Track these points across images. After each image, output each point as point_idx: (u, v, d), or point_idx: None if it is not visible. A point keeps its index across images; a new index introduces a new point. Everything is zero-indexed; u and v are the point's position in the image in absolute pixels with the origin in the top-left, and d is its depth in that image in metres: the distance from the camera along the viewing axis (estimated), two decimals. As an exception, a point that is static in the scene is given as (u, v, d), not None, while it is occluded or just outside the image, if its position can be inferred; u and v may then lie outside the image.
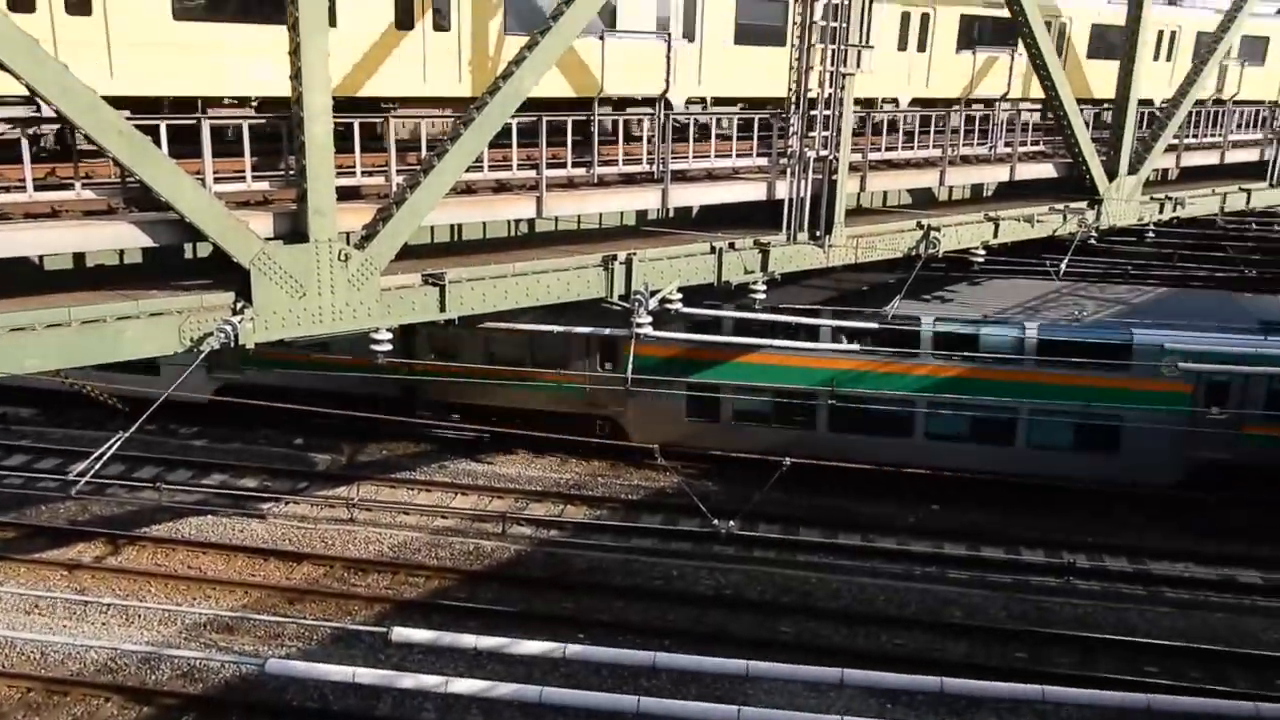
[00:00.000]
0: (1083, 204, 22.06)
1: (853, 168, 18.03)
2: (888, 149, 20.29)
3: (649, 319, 15.74)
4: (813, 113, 16.52)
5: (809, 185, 16.93)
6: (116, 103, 12.17)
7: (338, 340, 23.87)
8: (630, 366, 18.87)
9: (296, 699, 16.24)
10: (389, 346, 13.60)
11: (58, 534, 21.31)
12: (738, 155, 17.85)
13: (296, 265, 12.10)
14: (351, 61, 14.12)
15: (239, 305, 11.89)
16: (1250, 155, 27.48)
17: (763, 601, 19.47)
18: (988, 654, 17.79)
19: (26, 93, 10.55)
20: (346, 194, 13.23)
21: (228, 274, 11.96)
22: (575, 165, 15.82)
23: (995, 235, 20.77)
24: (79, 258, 12.76)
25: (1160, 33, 26.58)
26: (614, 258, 15.27)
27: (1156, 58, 26.45)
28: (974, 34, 23.01)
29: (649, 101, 17.31)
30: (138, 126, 10.82)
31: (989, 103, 23.20)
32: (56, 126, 13.40)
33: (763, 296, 18.30)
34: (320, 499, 23.28)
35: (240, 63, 13.19)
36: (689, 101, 18.92)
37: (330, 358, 24.79)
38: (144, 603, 18.78)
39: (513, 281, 14.40)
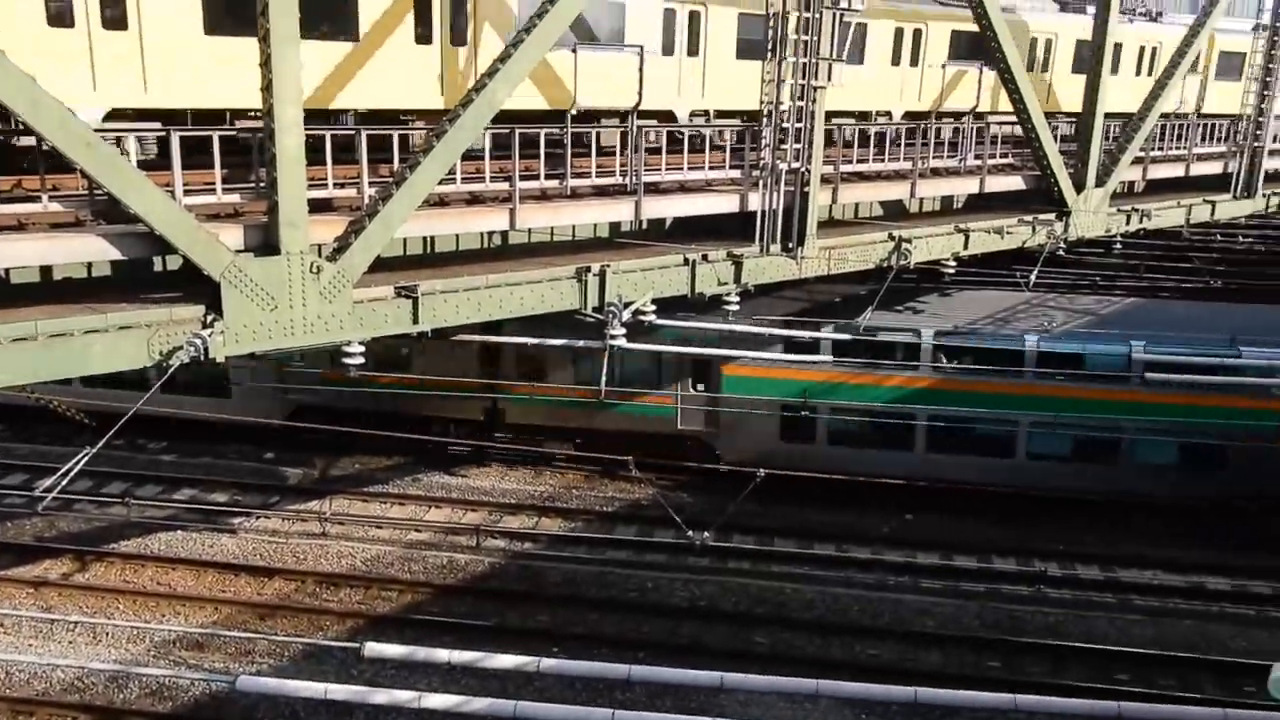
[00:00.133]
0: (1051, 216, 22.31)
1: (824, 180, 18.17)
2: (859, 161, 20.46)
3: (623, 331, 15.76)
4: (785, 125, 16.63)
5: (781, 197, 17.03)
6: (151, 115, 12.75)
7: (419, 361, 24.04)
8: (604, 381, 18.90)
9: (267, 716, 16.07)
10: (361, 360, 13.54)
11: (24, 551, 21.01)
12: (710, 167, 17.95)
13: (268, 278, 12.03)
14: (372, 74, 14.45)
15: (209, 318, 11.81)
16: (1214, 168, 27.91)
17: (737, 613, 19.49)
18: (961, 663, 17.89)
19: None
20: (318, 206, 13.18)
21: (198, 287, 11.88)
22: (548, 177, 15.84)
23: (966, 246, 20.97)
24: (46, 271, 12.65)
25: (1141, 48, 27.09)
26: (588, 269, 15.29)
27: (1139, 73, 26.97)
28: (961, 48, 23.43)
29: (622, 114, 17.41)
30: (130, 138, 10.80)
31: (978, 115, 23.62)
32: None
33: (736, 308, 18.39)
34: (292, 513, 23.08)
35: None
36: (693, 114, 19.30)
37: (410, 377, 24.50)
38: (112, 620, 18.54)
39: (486, 294, 14.38)
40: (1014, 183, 22.76)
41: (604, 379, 19.07)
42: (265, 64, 11.33)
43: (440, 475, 25.23)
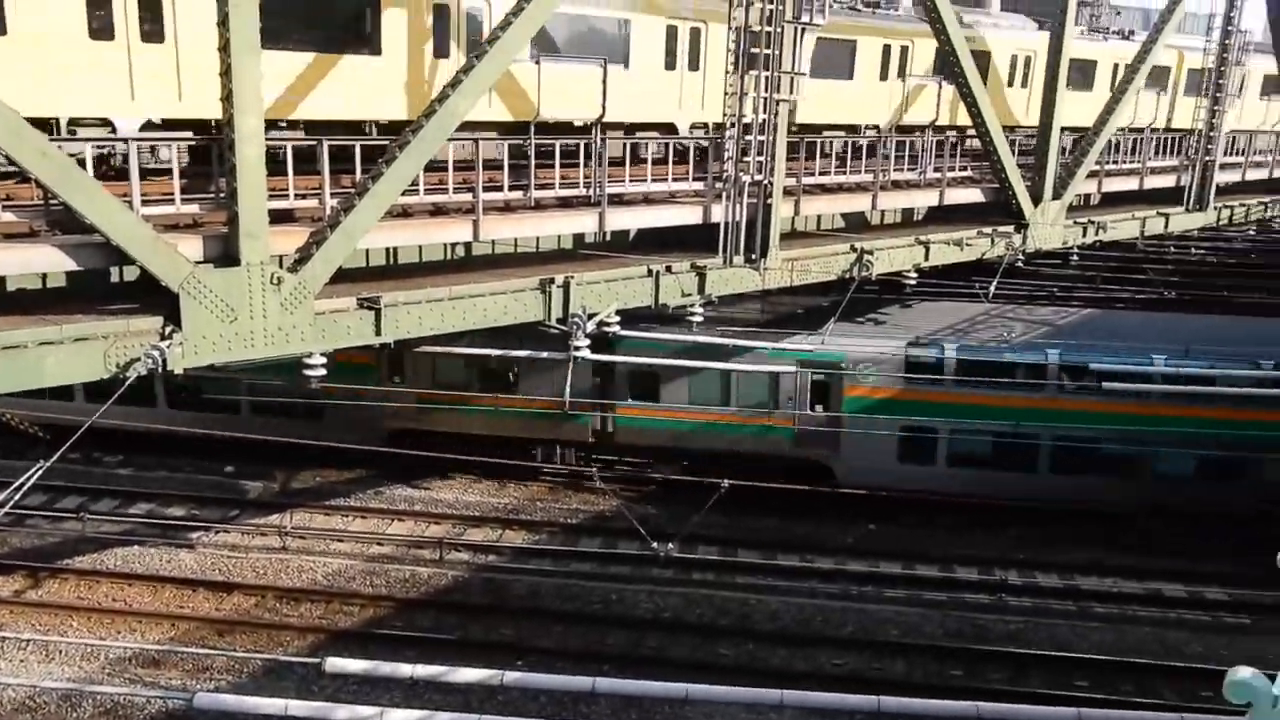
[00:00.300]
0: (1010, 228, 22.64)
1: (787, 192, 18.30)
2: (821, 173, 20.64)
3: (587, 342, 15.76)
4: (747, 137, 16.74)
5: (744, 209, 17.12)
6: (184, 125, 13.19)
7: (521, 381, 23.90)
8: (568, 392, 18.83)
9: (226, 734, 15.82)
10: (323, 371, 13.44)
11: (-26, 568, 20.58)
12: (674, 179, 18.02)
13: (228, 289, 11.92)
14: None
15: (168, 330, 11.67)
16: (1168, 181, 28.47)
17: (702, 624, 19.48)
18: (925, 672, 17.99)
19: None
20: (280, 217, 13.08)
21: (156, 298, 11.74)
22: (512, 188, 15.82)
23: (926, 258, 21.22)
24: (-1, 282, 12.43)
25: (1116, 65, 27.66)
26: (551, 281, 15.29)
27: (1113, 89, 27.53)
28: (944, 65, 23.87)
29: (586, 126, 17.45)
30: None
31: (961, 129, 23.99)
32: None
33: (700, 320, 18.46)
34: (252, 527, 22.78)
35: (298, 88, 14.00)
36: (693, 126, 19.66)
37: (515, 399, 24.06)
38: (65, 638, 18.17)
39: (449, 305, 14.33)
40: (974, 195, 23.07)
41: (568, 390, 19.03)
42: (225, 74, 11.25)
43: (403, 488, 25.02)
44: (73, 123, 12.67)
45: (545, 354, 20.98)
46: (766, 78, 16.32)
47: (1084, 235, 25.15)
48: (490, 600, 20.08)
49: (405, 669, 13.62)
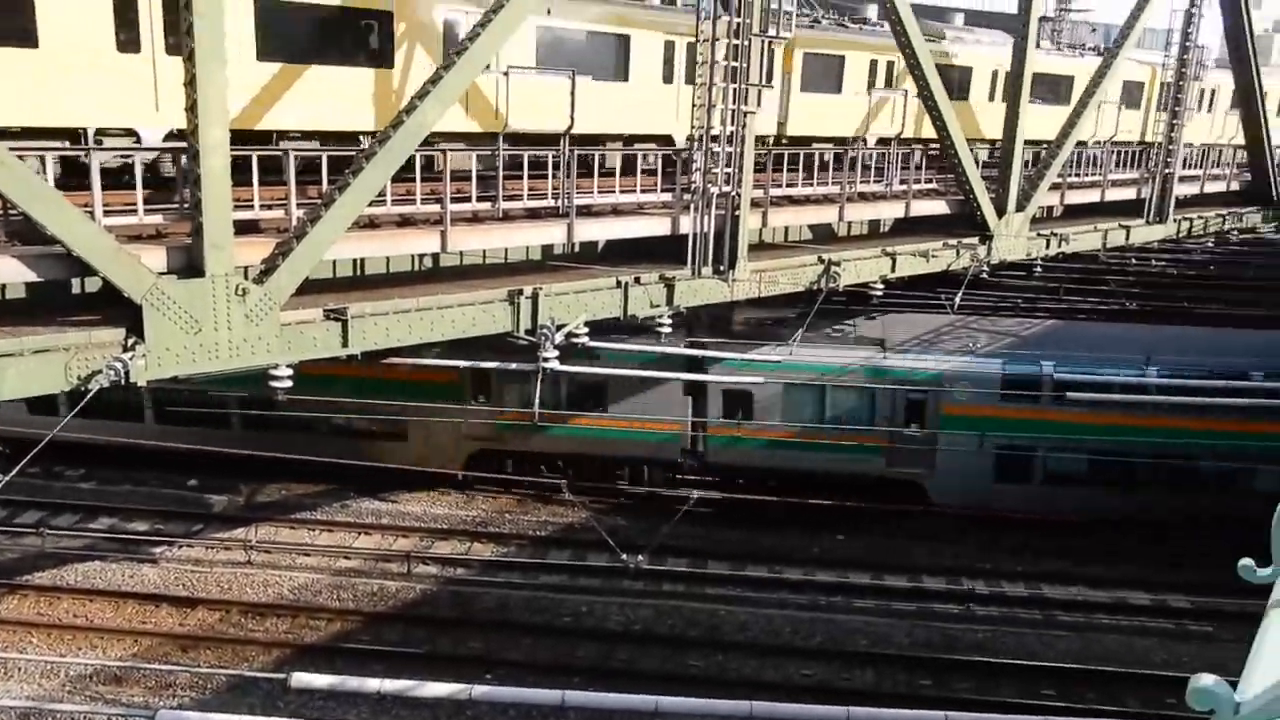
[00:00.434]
0: (974, 240, 22.87)
1: (754, 203, 18.40)
2: (789, 185, 20.76)
3: (555, 354, 15.72)
4: (715, 149, 16.81)
5: (712, 220, 17.18)
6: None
7: (608, 399, 23.82)
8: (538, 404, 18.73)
9: (190, 751, 15.58)
10: (289, 383, 13.31)
11: (-70, 585, 20.17)
12: (643, 190, 18.05)
13: (191, 300, 11.78)
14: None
15: (130, 342, 11.51)
16: (1129, 194, 28.89)
17: (672, 636, 19.45)
18: (894, 681, 18.06)
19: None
20: (245, 228, 12.97)
21: (119, 309, 11.58)
22: (480, 199, 15.78)
23: (893, 269, 21.37)
24: (-44, 294, 12.22)
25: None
26: (520, 292, 15.25)
27: None
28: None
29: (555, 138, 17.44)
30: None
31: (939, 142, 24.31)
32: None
33: (669, 331, 18.47)
34: (216, 541, 22.50)
35: (315, 99, 14.32)
36: (689, 139, 19.64)
37: (601, 420, 23.84)
38: (24, 655, 17.85)
39: (417, 316, 14.26)
40: (939, 207, 23.29)
41: (536, 401, 18.95)
42: (190, 84, 11.15)
43: (370, 501, 24.82)
44: (99, 133, 12.84)
45: (636, 373, 21.15)
46: (734, 90, 16.42)
47: (1047, 247, 25.44)
48: (458, 613, 19.95)
49: (372, 683, 13.52)
